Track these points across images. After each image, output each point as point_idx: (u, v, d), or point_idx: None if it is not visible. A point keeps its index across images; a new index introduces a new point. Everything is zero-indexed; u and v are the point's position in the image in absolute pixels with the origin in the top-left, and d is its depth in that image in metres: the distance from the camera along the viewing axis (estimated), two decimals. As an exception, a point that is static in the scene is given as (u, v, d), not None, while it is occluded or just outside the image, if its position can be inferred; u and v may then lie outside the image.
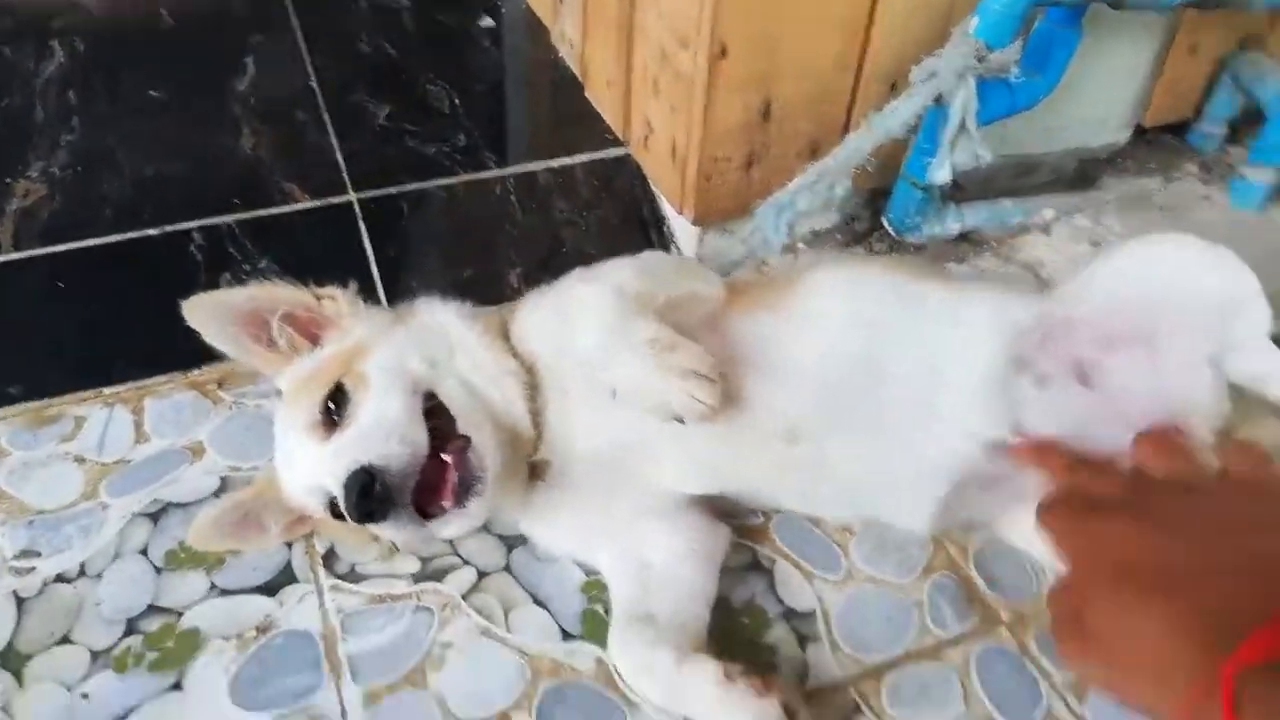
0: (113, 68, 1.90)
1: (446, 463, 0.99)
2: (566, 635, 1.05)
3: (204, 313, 1.08)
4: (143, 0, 2.11)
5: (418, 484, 0.96)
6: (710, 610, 1.05)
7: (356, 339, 1.08)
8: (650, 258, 1.16)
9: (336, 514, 1.00)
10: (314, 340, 1.12)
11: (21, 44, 1.94)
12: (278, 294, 1.11)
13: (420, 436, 0.98)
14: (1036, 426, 1.06)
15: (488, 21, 2.12)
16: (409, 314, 1.14)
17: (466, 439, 1.00)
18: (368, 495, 0.92)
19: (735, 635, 1.05)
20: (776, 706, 0.93)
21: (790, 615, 1.08)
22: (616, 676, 1.01)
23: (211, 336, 1.08)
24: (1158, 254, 1.13)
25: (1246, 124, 1.78)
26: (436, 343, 1.09)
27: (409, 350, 1.06)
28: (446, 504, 0.98)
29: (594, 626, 1.05)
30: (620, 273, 1.07)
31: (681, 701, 0.96)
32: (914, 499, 1.09)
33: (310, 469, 1.01)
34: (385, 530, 0.99)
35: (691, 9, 1.32)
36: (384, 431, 0.97)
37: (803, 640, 1.06)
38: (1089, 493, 0.75)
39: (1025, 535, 1.13)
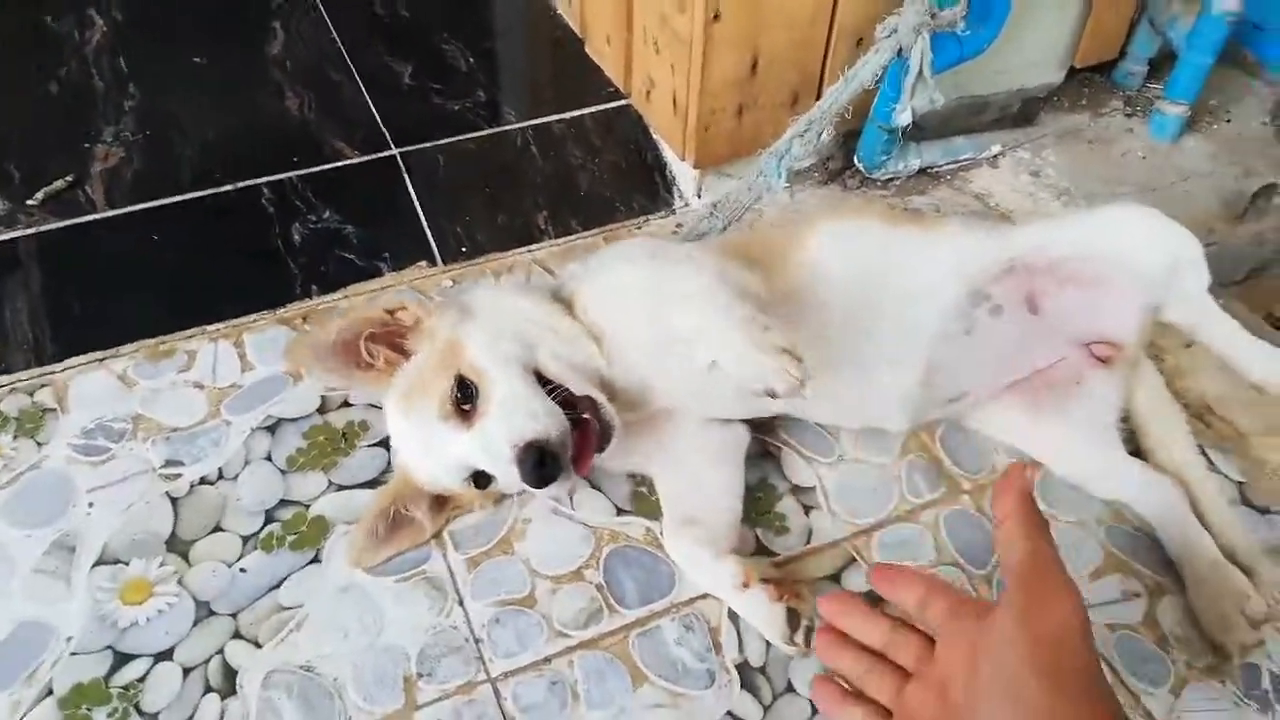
0: (152, 35, 2.03)
1: (582, 420, 1.13)
2: (620, 511, 1.28)
3: (304, 355, 1.21)
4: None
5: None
6: (741, 501, 1.27)
7: (444, 338, 1.19)
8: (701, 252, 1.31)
9: (479, 484, 1.17)
10: (400, 352, 1.22)
11: (62, 14, 2.06)
12: (359, 318, 1.21)
13: (556, 408, 1.11)
14: (984, 347, 1.31)
15: (487, -20, 2.28)
16: (468, 304, 1.24)
17: (588, 396, 1.14)
18: (542, 465, 1.07)
19: (754, 507, 1.29)
20: (781, 611, 1.12)
21: (796, 490, 1.32)
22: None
23: (317, 375, 1.16)
24: (1124, 222, 1.37)
25: (1164, 63, 2.00)
26: (518, 325, 1.20)
27: (500, 337, 1.17)
28: (595, 453, 1.14)
29: (642, 504, 1.29)
30: (708, 258, 1.22)
31: (717, 589, 1.19)
32: (896, 412, 1.32)
33: (460, 452, 1.13)
34: (549, 490, 1.12)
35: (687, -24, 1.50)
36: (528, 410, 1.10)
37: (806, 509, 1.30)
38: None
39: (979, 422, 1.38)
